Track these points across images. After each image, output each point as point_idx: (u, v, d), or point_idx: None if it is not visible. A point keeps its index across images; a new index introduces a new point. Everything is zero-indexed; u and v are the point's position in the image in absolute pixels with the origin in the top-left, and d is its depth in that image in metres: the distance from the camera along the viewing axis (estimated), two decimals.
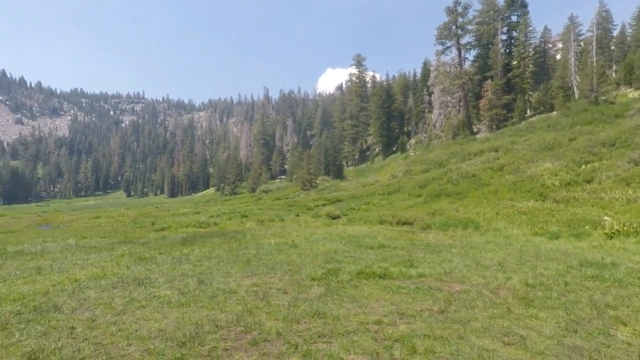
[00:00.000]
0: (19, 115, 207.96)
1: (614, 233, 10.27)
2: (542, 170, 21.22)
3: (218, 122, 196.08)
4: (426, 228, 14.44)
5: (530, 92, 49.09)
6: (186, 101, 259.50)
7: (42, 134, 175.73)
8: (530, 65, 48.70)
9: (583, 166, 19.97)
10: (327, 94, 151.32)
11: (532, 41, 50.93)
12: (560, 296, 5.03)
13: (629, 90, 39.20)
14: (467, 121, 51.25)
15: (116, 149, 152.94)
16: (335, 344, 3.64)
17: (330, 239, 10.78)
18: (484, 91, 50.42)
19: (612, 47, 52.85)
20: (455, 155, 35.90)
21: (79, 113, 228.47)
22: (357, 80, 78.39)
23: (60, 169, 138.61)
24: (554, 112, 41.28)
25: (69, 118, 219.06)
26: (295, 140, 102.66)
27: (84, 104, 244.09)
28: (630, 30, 53.98)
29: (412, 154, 56.32)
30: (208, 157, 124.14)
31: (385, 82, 79.41)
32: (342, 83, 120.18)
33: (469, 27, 51.69)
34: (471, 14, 51.52)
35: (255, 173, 79.55)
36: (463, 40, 52.11)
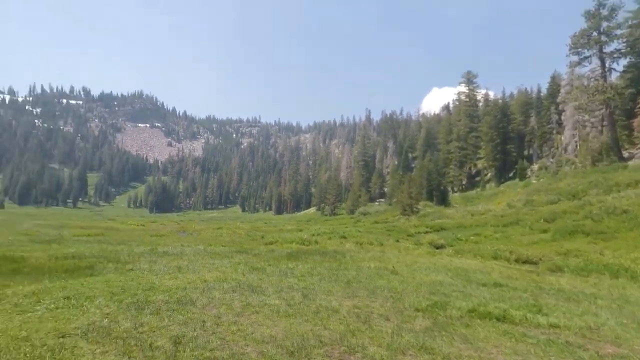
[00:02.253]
0: (169, 139, 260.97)
1: None
2: None
3: (321, 144, 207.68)
4: (556, 270, 12.08)
5: None
6: (294, 124, 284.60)
7: (184, 154, 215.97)
8: None
9: None
10: (432, 114, 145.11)
11: None
12: None
13: None
14: (614, 144, 41.87)
15: (235, 168, 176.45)
16: None
17: (434, 270, 10.03)
18: (638, 108, 40.78)
19: None
20: (596, 185, 29.60)
21: (210, 137, 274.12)
22: (467, 99, 73.12)
23: (194, 184, 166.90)
24: None
25: (203, 141, 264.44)
26: (396, 162, 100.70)
27: (214, 129, 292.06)
28: None
29: (534, 181, 48.78)
30: (311, 177, 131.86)
31: (500, 100, 71.77)
32: (448, 102, 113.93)
33: (617, 31, 42.92)
34: (621, 16, 42.86)
35: (354, 194, 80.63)
36: (608, 48, 43.52)
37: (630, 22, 43.34)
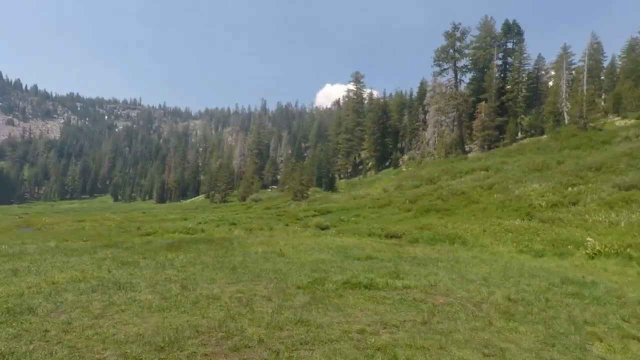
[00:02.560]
0: (10, 117, 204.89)
1: (595, 254, 10.44)
2: (529, 190, 21.60)
3: (213, 131, 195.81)
4: (414, 242, 14.48)
5: (522, 116, 50.49)
6: (183, 109, 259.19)
7: (32, 136, 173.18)
8: (523, 90, 50.31)
9: (569, 189, 20.39)
10: (324, 108, 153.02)
11: (526, 67, 52.82)
12: (540, 311, 5.08)
13: (616, 118, 40.55)
14: (460, 140, 52.19)
15: (107, 153, 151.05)
16: (317, 352, 3.60)
17: (318, 249, 10.73)
18: (477, 113, 51.64)
19: (602, 77, 55.01)
20: (446, 172, 36.36)
21: (72, 117, 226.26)
22: (355, 96, 79.62)
23: (47, 171, 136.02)
24: (544, 136, 42.39)
25: (62, 121, 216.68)
26: (290, 151, 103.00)
27: (78, 108, 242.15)
28: (619, 63, 56.27)
29: (404, 169, 56.87)
30: (200, 164, 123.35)
31: (382, 100, 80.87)
32: (339, 98, 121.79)
33: (466, 51, 53.51)
34: (469, 39, 53.39)
35: (247, 182, 79.16)
36: (460, 64, 53.79)
37: (474, 45, 54.40)
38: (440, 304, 5.30)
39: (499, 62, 53.77)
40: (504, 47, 54.51)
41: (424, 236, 14.80)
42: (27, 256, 8.59)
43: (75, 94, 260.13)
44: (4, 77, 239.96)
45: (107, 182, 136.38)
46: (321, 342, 3.83)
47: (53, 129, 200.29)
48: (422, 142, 64.89)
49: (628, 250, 10.34)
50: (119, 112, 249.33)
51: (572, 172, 23.35)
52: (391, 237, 15.98)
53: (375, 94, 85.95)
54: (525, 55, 51.89)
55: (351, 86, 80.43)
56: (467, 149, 52.35)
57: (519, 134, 48.58)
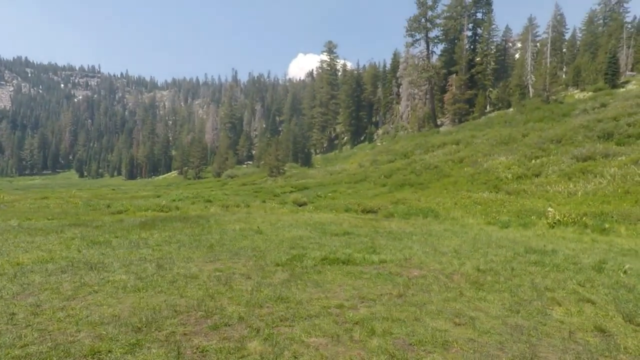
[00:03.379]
0: None
1: (555, 223, 11.25)
2: (497, 163, 22.59)
3: (182, 103, 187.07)
4: (389, 216, 14.92)
5: (490, 89, 51.59)
6: (148, 79, 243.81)
7: None
8: (492, 63, 51.03)
9: (533, 161, 21.50)
10: (298, 79, 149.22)
11: (494, 39, 53.23)
12: (506, 280, 5.44)
13: (575, 91, 42.51)
14: (432, 114, 53.02)
15: (67, 126, 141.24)
16: (297, 328, 3.69)
17: (296, 226, 10.80)
18: (449, 85, 52.24)
19: (564, 50, 56.69)
20: (419, 146, 37.14)
21: (23, 84, 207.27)
22: (328, 68, 77.95)
23: (0, 144, 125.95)
24: (511, 109, 43.81)
25: (12, 89, 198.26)
26: (264, 125, 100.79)
27: (29, 74, 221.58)
28: (580, 35, 58.07)
29: (379, 144, 57.48)
30: (171, 138, 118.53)
31: (355, 72, 79.63)
32: (313, 69, 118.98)
33: (438, 21, 52.99)
34: (440, 8, 52.73)
35: (221, 157, 77.32)
36: (432, 34, 53.37)
37: (445, 15, 53.94)
38: (414, 276, 5.55)
39: (469, 33, 53.80)
40: (474, 17, 54.29)
41: (398, 210, 15.28)
42: None
43: (23, 58, 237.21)
44: None
45: (71, 157, 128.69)
46: (301, 318, 3.92)
47: (2, 97, 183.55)
48: (396, 115, 65.43)
49: (584, 219, 11.22)
50: (76, 80, 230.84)
51: (536, 145, 24.53)
52: (367, 212, 16.37)
53: (349, 65, 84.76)
54: (494, 26, 52.10)
55: (324, 57, 78.59)
56: (439, 122, 53.39)
57: (488, 107, 49.92)
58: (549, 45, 46.36)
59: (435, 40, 54.30)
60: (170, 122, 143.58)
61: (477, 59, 51.26)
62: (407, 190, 22.36)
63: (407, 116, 60.19)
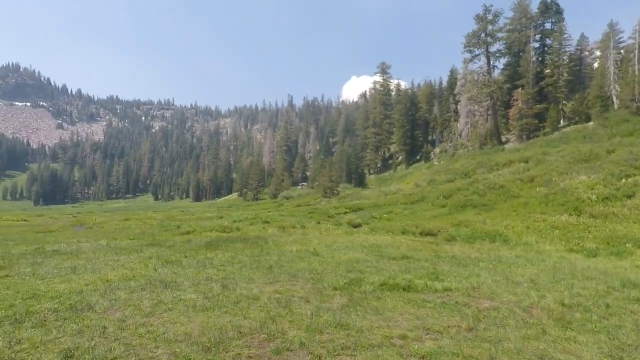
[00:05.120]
0: (60, 121, 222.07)
1: None
2: (577, 183, 20.15)
3: (243, 129, 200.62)
4: (451, 240, 14.01)
5: (564, 102, 47.07)
6: (213, 108, 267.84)
7: (80, 139, 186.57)
8: (565, 74, 46.82)
9: (623, 180, 18.79)
10: (351, 102, 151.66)
11: (567, 49, 49.07)
12: (601, 319, 4.70)
13: None
14: (496, 131, 49.70)
15: (146, 154, 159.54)
16: (360, 358, 3.57)
17: (352, 248, 10.68)
18: (514, 100, 48.85)
19: None
20: (482, 165, 34.82)
21: (113, 119, 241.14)
22: (382, 89, 78.11)
23: (94, 172, 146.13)
24: (591, 123, 39.32)
25: (105, 124, 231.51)
26: (318, 147, 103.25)
27: (118, 111, 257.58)
28: None
29: (436, 163, 55.16)
30: (232, 162, 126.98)
31: (410, 91, 78.59)
32: (366, 91, 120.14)
33: (499, 35, 50.60)
34: (502, 21, 50.43)
35: (277, 179, 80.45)
36: (493, 49, 50.99)
37: (508, 28, 51.36)
38: (485, 308, 5.07)
39: (537, 45, 50.36)
40: (542, 28, 50.88)
41: (461, 234, 14.28)
42: (83, 254, 9.25)
43: (115, 96, 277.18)
44: (53, 83, 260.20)
45: (148, 182, 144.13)
46: (363, 347, 3.80)
47: (97, 132, 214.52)
48: (455, 133, 62.56)
49: None
50: (154, 113, 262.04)
51: (626, 162, 21.48)
52: (426, 234, 15.58)
53: (404, 85, 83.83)
54: (566, 35, 48.09)
55: (378, 78, 78.91)
56: (503, 139, 49.77)
57: (562, 121, 45.40)
58: (637, 51, 41.16)
59: (497, 55, 51.72)
60: (232, 147, 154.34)
61: (547, 71, 47.51)
62: (469, 212, 20.89)
63: (466, 134, 57.24)
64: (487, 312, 4.90)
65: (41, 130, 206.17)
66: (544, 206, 18.17)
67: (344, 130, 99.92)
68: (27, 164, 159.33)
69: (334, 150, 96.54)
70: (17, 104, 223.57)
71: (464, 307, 5.13)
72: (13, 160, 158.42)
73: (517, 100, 47.70)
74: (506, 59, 53.20)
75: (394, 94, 79.05)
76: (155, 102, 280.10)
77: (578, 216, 15.33)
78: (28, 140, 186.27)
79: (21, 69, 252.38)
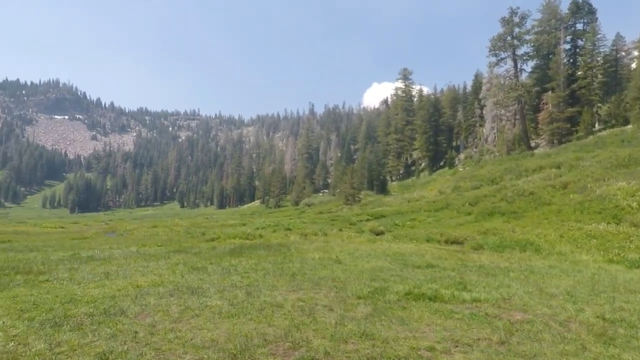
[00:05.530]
0: (94, 133, 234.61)
1: None
2: (615, 189, 19.02)
3: (265, 137, 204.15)
4: (478, 248, 13.54)
5: (599, 105, 44.88)
6: (236, 117, 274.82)
7: (111, 149, 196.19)
8: (599, 75, 44.72)
9: None
10: (372, 108, 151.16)
11: (601, 49, 46.97)
12: None
13: None
14: (524, 135, 47.95)
15: (173, 163, 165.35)
16: None
17: (374, 256, 10.53)
18: (543, 104, 47.07)
19: None
20: (510, 171, 33.60)
21: (143, 130, 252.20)
22: (403, 94, 77.50)
23: (125, 180, 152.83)
24: (629, 126, 37.20)
25: (135, 134, 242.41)
26: (339, 154, 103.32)
27: (147, 121, 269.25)
28: None
29: (461, 169, 53.76)
30: (254, 170, 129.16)
31: (432, 96, 77.58)
32: (387, 97, 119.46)
33: (527, 37, 49.13)
34: (529, 23, 49.01)
35: (298, 186, 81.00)
36: (519, 51, 49.53)
37: (535, 29, 49.81)
38: (517, 321, 4.84)
39: (567, 46, 48.49)
40: (573, 28, 48.99)
41: (489, 242, 13.77)
42: (114, 260, 9.65)
43: (144, 108, 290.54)
44: (88, 97, 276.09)
45: (174, 190, 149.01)
46: (389, 358, 3.72)
47: (128, 142, 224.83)
48: (480, 139, 60.86)
49: None
50: (180, 123, 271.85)
51: None
52: (451, 242, 15.15)
53: (426, 90, 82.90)
54: (599, 35, 46.02)
55: (399, 84, 78.42)
56: (532, 144, 47.91)
57: (596, 125, 43.20)
58: None
59: (525, 57, 50.14)
60: (254, 155, 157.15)
61: (579, 73, 45.59)
62: (497, 219, 20.13)
63: (492, 139, 55.57)
64: (520, 325, 4.67)
65: (77, 142, 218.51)
66: (579, 214, 17.24)
67: (365, 137, 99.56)
68: (64, 174, 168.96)
69: (355, 157, 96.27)
70: (56, 117, 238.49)
71: (494, 319, 4.92)
72: (52, 170, 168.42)
73: (546, 104, 45.91)
74: (534, 61, 51.60)
75: (415, 99, 78.21)
76: (182, 113, 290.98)
77: (617, 224, 14.42)
78: (65, 151, 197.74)
79: (60, 84, 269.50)
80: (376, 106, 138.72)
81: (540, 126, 47.52)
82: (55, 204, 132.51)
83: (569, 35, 48.68)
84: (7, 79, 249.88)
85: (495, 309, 5.38)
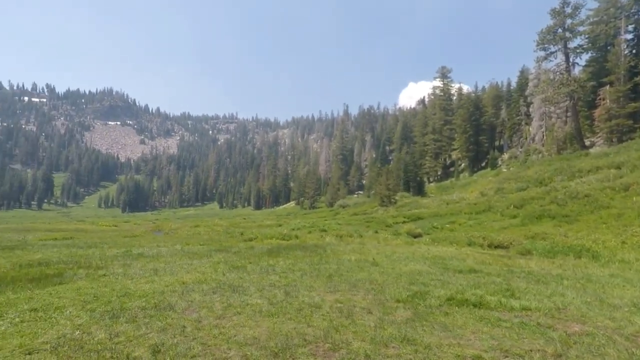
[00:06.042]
0: (142, 137, 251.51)
1: None
2: None
3: (300, 139, 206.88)
4: (525, 254, 12.69)
5: None
6: (272, 120, 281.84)
7: (157, 152, 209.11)
8: None
9: None
10: (408, 108, 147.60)
11: None
12: None
13: None
14: (577, 133, 44.30)
15: (212, 165, 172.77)
16: None
17: (412, 259, 10.26)
18: (599, 99, 43.19)
19: None
20: (560, 172, 31.21)
21: (185, 133, 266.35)
22: (442, 93, 74.93)
23: (169, 182, 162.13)
24: None
25: (178, 138, 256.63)
26: (374, 155, 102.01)
27: (189, 126, 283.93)
28: None
29: (504, 170, 50.83)
30: (290, 171, 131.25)
31: (473, 94, 74.12)
32: (424, 97, 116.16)
33: (581, 28, 45.35)
34: (583, 14, 45.23)
35: (333, 188, 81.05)
36: (572, 44, 45.84)
37: (591, 20, 45.84)
38: (575, 333, 4.46)
39: (629, 37, 44.02)
40: (636, 17, 44.43)
41: (537, 247, 12.86)
42: (162, 258, 10.26)
43: (187, 112, 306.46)
44: (137, 104, 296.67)
45: (214, 191, 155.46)
46: None
47: (172, 145, 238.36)
48: (526, 138, 57.15)
49: None
50: (220, 127, 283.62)
51: None
52: (495, 247, 14.34)
53: (466, 88, 79.43)
54: None
55: (437, 82, 75.88)
56: (587, 143, 44.12)
57: None
58: None
59: (578, 50, 46.30)
60: (290, 157, 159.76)
61: None
62: (546, 223, 18.75)
63: (540, 138, 51.97)
64: (578, 337, 4.30)
65: (127, 146, 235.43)
66: None
67: (400, 138, 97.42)
68: (116, 176, 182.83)
69: (390, 158, 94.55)
70: (109, 123, 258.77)
71: (547, 329, 4.58)
72: (106, 172, 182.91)
73: (603, 99, 42.09)
74: (589, 54, 47.48)
75: (454, 98, 75.26)
76: (221, 116, 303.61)
77: None
78: (117, 154, 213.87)
79: (113, 92, 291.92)
80: (412, 106, 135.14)
81: (596, 123, 43.62)
82: (109, 204, 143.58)
83: (631, 24, 44.21)
84: (69, 89, 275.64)
85: (548, 318, 5.01)
